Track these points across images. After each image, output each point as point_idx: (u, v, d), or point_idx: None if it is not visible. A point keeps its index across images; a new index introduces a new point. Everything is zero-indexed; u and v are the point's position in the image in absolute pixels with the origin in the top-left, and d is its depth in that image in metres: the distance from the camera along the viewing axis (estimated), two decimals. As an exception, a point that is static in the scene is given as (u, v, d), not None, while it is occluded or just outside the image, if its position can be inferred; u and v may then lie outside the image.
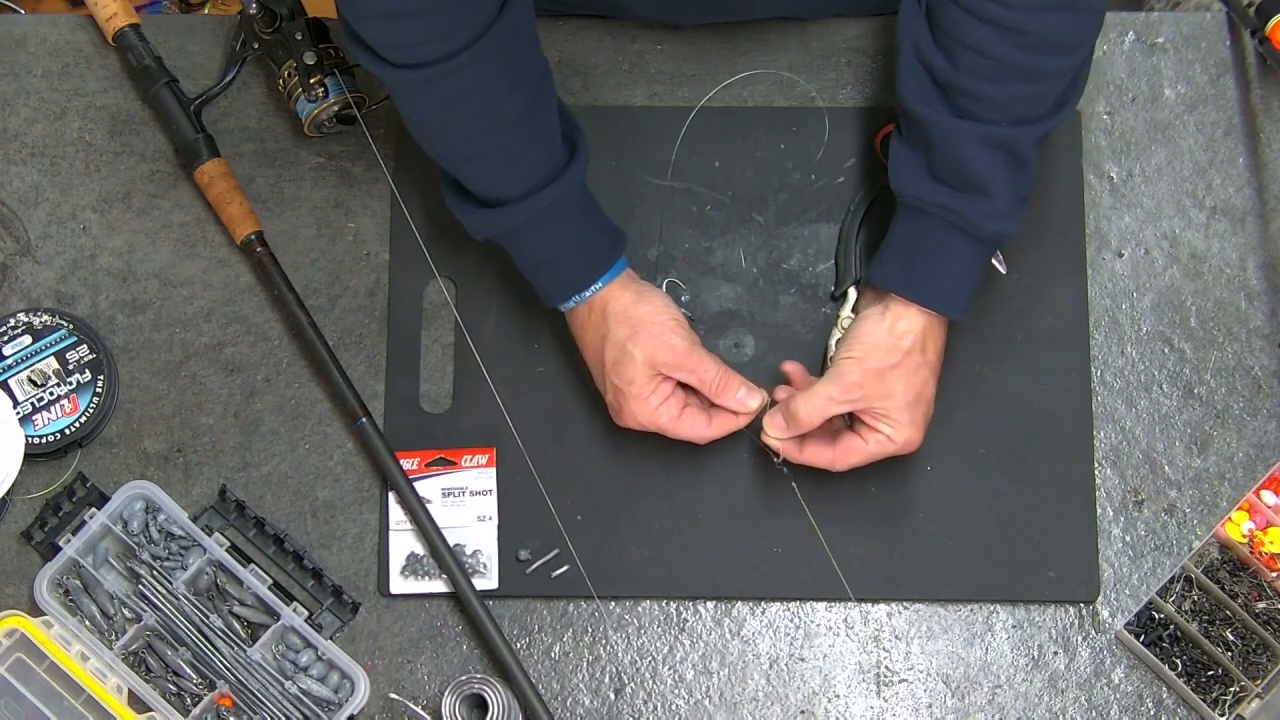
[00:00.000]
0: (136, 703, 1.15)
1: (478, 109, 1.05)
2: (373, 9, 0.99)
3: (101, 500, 1.18)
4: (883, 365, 1.08)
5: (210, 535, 1.17)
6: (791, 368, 1.16)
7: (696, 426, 1.11)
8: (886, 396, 1.08)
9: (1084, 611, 1.17)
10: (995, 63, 1.03)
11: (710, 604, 1.18)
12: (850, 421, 1.12)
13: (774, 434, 1.10)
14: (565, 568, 1.17)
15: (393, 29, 1.00)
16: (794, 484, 1.15)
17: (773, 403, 1.13)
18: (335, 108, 1.21)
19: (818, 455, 1.10)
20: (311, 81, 1.20)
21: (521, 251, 1.12)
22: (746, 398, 1.11)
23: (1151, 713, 1.15)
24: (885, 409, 1.08)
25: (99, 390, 1.20)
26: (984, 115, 1.05)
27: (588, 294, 1.11)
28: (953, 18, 1.03)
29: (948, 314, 1.10)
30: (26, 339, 1.21)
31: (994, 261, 1.17)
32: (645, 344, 1.09)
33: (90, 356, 1.21)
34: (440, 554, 1.16)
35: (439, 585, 1.17)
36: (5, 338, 1.21)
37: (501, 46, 1.02)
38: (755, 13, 1.26)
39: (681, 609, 1.18)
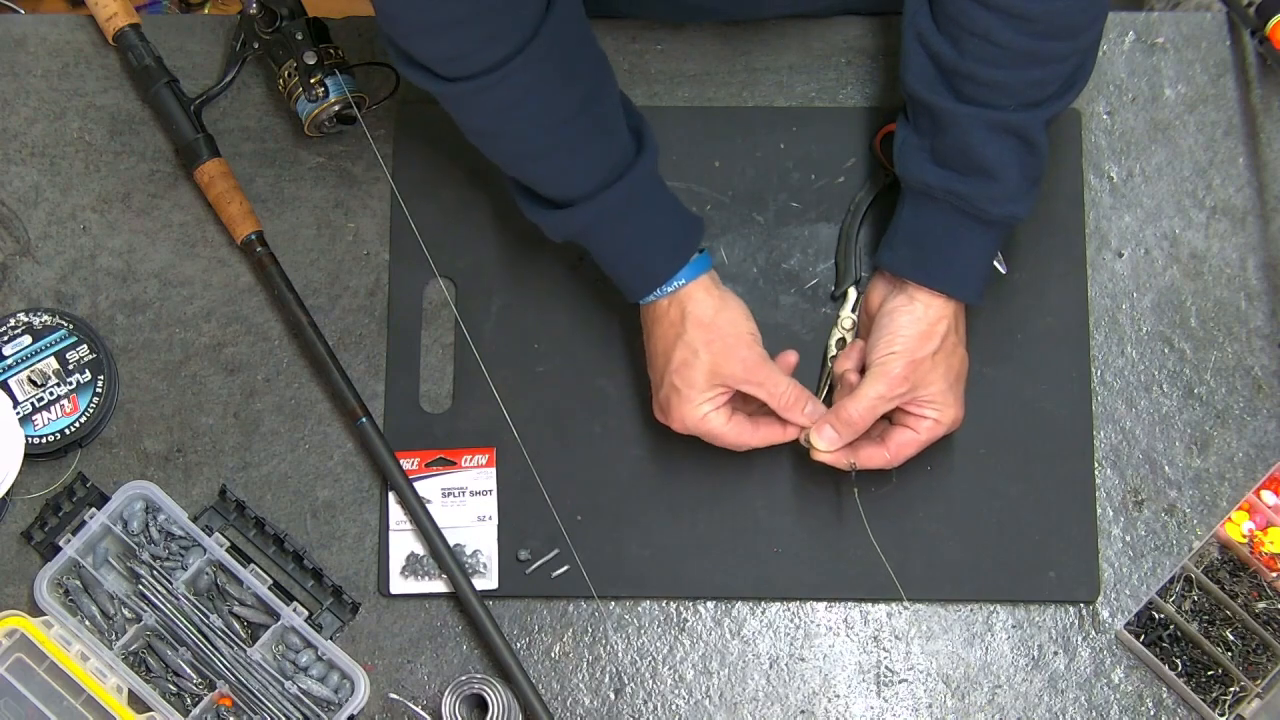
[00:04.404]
0: (136, 703, 1.15)
1: (536, 109, 1.03)
2: (418, 24, 0.97)
3: (101, 500, 1.18)
4: (924, 354, 1.08)
5: (210, 535, 1.17)
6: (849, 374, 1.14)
7: (743, 434, 1.11)
8: (930, 383, 1.08)
9: (1084, 611, 1.17)
10: (1002, 49, 1.03)
11: (710, 604, 1.18)
12: (889, 416, 1.11)
13: (825, 447, 1.09)
14: (565, 568, 1.17)
15: (441, 41, 0.98)
16: (855, 490, 1.15)
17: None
18: (335, 108, 1.21)
19: (873, 458, 1.10)
20: (311, 81, 1.20)
21: (599, 249, 1.10)
22: (812, 413, 1.10)
23: (1151, 713, 1.15)
24: (930, 395, 1.09)
25: (99, 390, 1.20)
26: (991, 101, 1.05)
27: (670, 288, 1.10)
28: (957, 5, 1.03)
29: (962, 298, 1.10)
30: (26, 339, 1.21)
31: (994, 262, 1.17)
32: (718, 353, 1.08)
33: (90, 356, 1.21)
34: (440, 554, 1.16)
35: (439, 585, 1.17)
36: (5, 338, 1.21)
37: (553, 44, 1.00)
38: (757, 11, 1.26)
39: (681, 609, 1.18)
